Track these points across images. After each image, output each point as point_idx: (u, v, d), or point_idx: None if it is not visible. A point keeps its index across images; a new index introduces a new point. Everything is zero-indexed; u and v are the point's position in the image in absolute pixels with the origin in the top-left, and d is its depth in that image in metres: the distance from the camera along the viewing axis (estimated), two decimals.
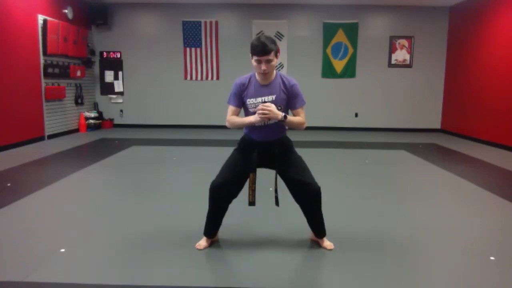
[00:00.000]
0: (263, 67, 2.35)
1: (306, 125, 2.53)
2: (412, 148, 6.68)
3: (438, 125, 9.04)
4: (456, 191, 4.16)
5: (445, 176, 4.77)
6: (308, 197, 2.52)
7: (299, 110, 2.50)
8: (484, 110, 7.31)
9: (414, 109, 8.98)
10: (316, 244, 2.69)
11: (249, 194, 2.52)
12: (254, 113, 2.40)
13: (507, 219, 3.30)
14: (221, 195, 2.53)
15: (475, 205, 3.67)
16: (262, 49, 2.31)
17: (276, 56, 2.38)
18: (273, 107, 2.32)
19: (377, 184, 4.37)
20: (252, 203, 2.54)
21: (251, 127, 2.48)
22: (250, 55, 2.40)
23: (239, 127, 2.51)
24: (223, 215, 2.63)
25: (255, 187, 2.52)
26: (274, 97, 2.43)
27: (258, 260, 2.47)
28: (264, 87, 2.45)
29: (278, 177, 2.57)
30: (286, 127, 2.56)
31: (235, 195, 2.58)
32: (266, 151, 2.50)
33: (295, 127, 2.48)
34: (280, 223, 3.05)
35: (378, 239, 2.81)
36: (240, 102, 2.50)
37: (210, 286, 2.17)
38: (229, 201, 2.60)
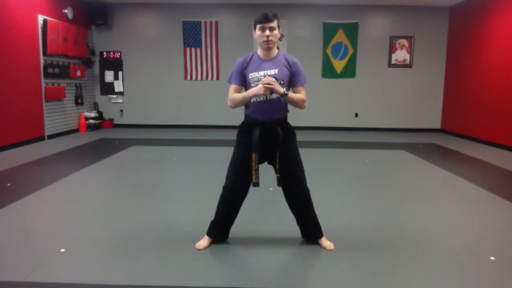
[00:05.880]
0: (267, 32, 2.36)
1: (307, 104, 2.52)
2: (412, 148, 6.68)
3: (438, 125, 9.04)
4: (456, 191, 4.16)
5: (445, 176, 4.77)
6: (294, 193, 2.55)
7: (300, 88, 2.50)
8: (484, 110, 7.31)
9: (414, 109, 8.98)
10: (316, 244, 2.68)
11: (252, 175, 2.47)
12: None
13: (507, 219, 3.30)
14: (234, 196, 2.56)
15: (475, 205, 3.67)
16: (266, 16, 2.37)
17: (278, 28, 2.42)
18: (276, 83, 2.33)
19: (377, 184, 4.37)
20: (256, 183, 2.49)
21: (253, 104, 2.45)
22: (253, 29, 2.45)
23: (241, 103, 2.46)
24: (236, 215, 2.65)
25: (258, 167, 2.48)
26: (276, 71, 2.43)
27: (257, 260, 2.47)
28: (267, 62, 2.46)
29: (270, 168, 2.56)
30: (288, 109, 2.55)
31: (246, 193, 2.60)
32: (268, 130, 2.45)
33: (295, 104, 2.47)
34: (280, 223, 3.05)
35: (378, 239, 2.81)
36: (242, 79, 2.48)
37: (210, 286, 2.17)
38: (242, 201, 2.62)
